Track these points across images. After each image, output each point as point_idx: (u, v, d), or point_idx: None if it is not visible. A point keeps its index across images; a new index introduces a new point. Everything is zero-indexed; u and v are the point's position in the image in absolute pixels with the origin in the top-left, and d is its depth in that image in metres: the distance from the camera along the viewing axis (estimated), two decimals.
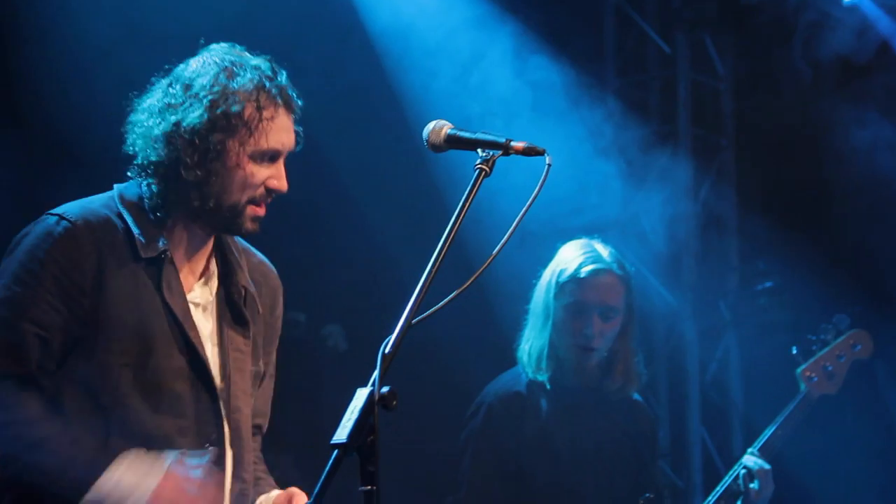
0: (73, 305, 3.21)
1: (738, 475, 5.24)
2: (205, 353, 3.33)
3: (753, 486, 5.19)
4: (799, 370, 5.45)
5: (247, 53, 3.38)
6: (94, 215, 3.29)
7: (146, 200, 3.33)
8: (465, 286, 2.98)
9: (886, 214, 7.02)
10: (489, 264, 2.95)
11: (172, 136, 3.26)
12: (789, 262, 7.30)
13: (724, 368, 7.75)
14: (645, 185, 7.66)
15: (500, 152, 3.04)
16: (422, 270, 2.83)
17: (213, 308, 3.42)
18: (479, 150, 3.00)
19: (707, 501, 5.29)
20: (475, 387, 5.32)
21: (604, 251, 5.10)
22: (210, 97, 3.26)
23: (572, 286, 5.02)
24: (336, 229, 6.98)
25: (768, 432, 5.33)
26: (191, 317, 3.34)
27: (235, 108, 3.25)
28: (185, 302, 3.34)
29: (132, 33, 6.08)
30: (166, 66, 3.39)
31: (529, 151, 3.05)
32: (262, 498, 3.49)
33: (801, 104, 7.30)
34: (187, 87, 3.30)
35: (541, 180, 2.95)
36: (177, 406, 3.28)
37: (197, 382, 3.32)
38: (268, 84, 3.31)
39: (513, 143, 3.05)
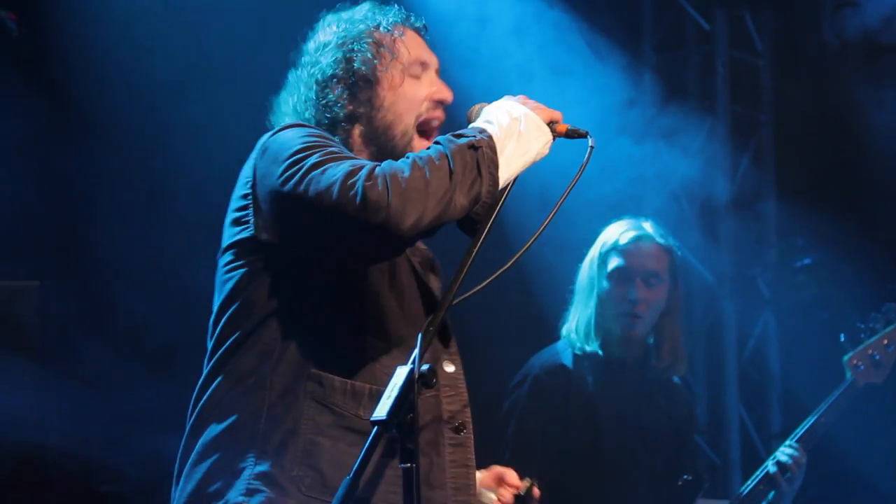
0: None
1: (776, 462, 5.24)
2: (429, 282, 3.25)
3: (786, 477, 5.19)
4: (846, 358, 5.41)
5: (354, 10, 3.41)
6: None
7: None
8: (506, 266, 3.00)
9: None
10: (531, 245, 2.97)
11: (326, 95, 3.27)
12: (827, 239, 7.26)
13: (763, 345, 7.73)
14: (683, 161, 7.64)
15: (552, 136, 3.06)
16: (462, 253, 2.85)
17: (422, 266, 3.31)
18: None
19: (745, 486, 5.29)
20: (513, 365, 5.34)
21: (646, 224, 5.18)
22: (341, 44, 3.29)
23: (615, 255, 5.10)
24: None
25: (811, 420, 5.31)
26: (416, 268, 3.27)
27: (366, 37, 3.28)
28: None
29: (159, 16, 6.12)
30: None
31: (573, 134, 3.07)
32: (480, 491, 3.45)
33: (839, 81, 7.25)
34: (317, 51, 3.34)
35: (584, 161, 2.96)
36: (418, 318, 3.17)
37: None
38: (380, 14, 3.35)
39: (557, 126, 3.07)
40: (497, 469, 3.43)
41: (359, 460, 2.63)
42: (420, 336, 2.70)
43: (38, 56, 6.13)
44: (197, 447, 3.06)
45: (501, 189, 2.96)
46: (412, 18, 3.40)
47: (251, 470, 2.98)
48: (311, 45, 3.37)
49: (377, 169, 2.84)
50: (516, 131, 3.01)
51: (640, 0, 7.82)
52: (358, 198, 2.77)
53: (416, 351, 2.67)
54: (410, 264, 3.19)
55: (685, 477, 5.02)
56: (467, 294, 2.84)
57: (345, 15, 3.38)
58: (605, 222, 5.35)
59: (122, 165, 6.26)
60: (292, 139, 3.02)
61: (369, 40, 3.28)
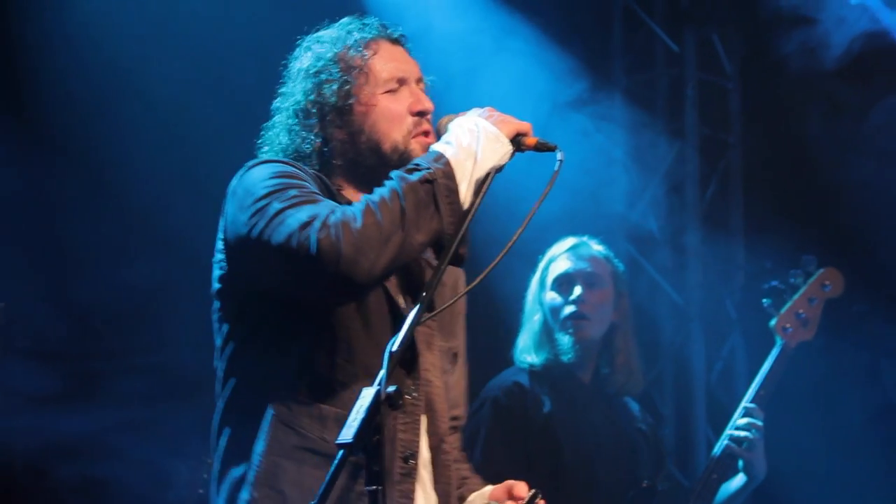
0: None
1: (727, 445, 5.18)
2: (399, 303, 3.21)
3: (739, 465, 5.15)
4: (772, 323, 5.31)
5: (328, 29, 3.41)
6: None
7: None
8: (473, 284, 2.99)
9: (892, 214, 7.00)
10: (498, 262, 2.95)
11: (304, 125, 3.29)
12: (795, 262, 7.27)
13: (730, 368, 7.73)
14: (652, 183, 7.66)
15: (513, 148, 3.04)
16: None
17: (395, 281, 3.28)
18: None
19: (698, 479, 5.25)
20: (480, 383, 5.31)
21: (589, 241, 5.22)
22: (312, 73, 3.30)
23: (557, 263, 5.15)
24: None
25: (751, 394, 5.24)
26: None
27: (334, 64, 3.28)
28: None
29: (135, 33, 6.09)
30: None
31: (541, 147, 3.05)
32: (474, 495, 3.42)
33: (808, 104, 7.28)
34: (293, 79, 3.35)
35: (552, 176, 2.94)
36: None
37: (394, 323, 3.15)
38: (355, 31, 3.33)
39: (525, 139, 3.05)
40: (509, 482, 3.38)
41: (324, 483, 2.61)
42: (386, 356, 2.67)
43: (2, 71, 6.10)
44: None
45: (468, 209, 2.95)
46: (388, 30, 3.38)
47: (225, 493, 3.09)
48: (289, 73, 3.39)
49: (331, 217, 2.87)
50: (474, 151, 3.01)
51: (610, 22, 7.84)
52: (311, 249, 2.83)
53: (383, 372, 2.64)
54: (382, 286, 3.17)
55: (645, 483, 5.02)
56: (435, 312, 2.82)
57: (317, 39, 3.38)
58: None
59: (90, 185, 6.21)
60: (256, 184, 3.06)
61: (340, 64, 3.28)
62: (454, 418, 3.47)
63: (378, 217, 2.88)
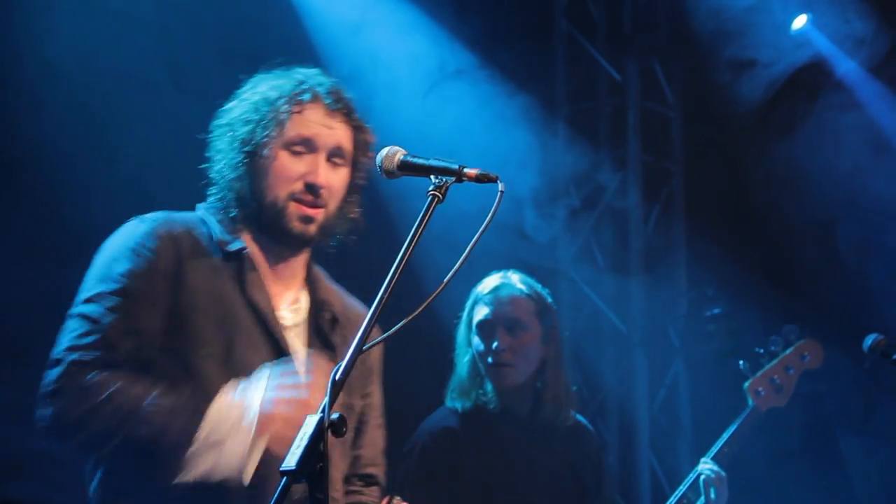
0: (158, 300, 3.26)
1: (695, 483, 5.20)
2: (287, 346, 3.33)
3: (711, 494, 5.16)
4: (746, 384, 5.36)
5: (298, 71, 3.50)
6: (176, 216, 3.42)
7: (221, 210, 3.44)
8: (416, 313, 2.97)
9: (836, 241, 7.09)
10: (440, 291, 2.95)
11: (219, 167, 3.43)
12: (738, 289, 7.34)
13: (673, 395, 7.78)
14: (594, 211, 7.71)
15: (454, 179, 3.04)
16: (374, 297, 2.82)
17: (302, 332, 3.43)
18: (432, 177, 2.99)
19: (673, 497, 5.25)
20: (425, 414, 5.30)
21: (514, 276, 5.16)
22: (241, 116, 3.42)
23: (480, 308, 5.08)
24: None
25: (715, 449, 5.28)
26: (274, 313, 3.37)
27: (265, 107, 3.38)
28: (269, 300, 3.39)
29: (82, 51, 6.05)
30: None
31: (482, 178, 3.05)
32: None
33: (748, 131, 7.36)
34: (227, 115, 3.46)
35: (494, 207, 2.95)
36: None
37: None
38: (301, 85, 3.42)
39: (466, 170, 3.06)
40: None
41: None
42: (329, 384, 2.67)
43: None
44: None
45: None
46: (329, 95, 3.46)
47: None
48: (227, 109, 3.48)
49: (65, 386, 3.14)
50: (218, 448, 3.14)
51: (553, 51, 7.90)
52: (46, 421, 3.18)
53: (326, 399, 2.63)
54: (263, 321, 3.32)
55: None
56: (376, 341, 2.82)
57: (260, 81, 3.48)
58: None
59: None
60: (92, 283, 3.30)
61: (267, 113, 3.38)
62: (369, 476, 3.61)
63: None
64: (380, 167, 3.12)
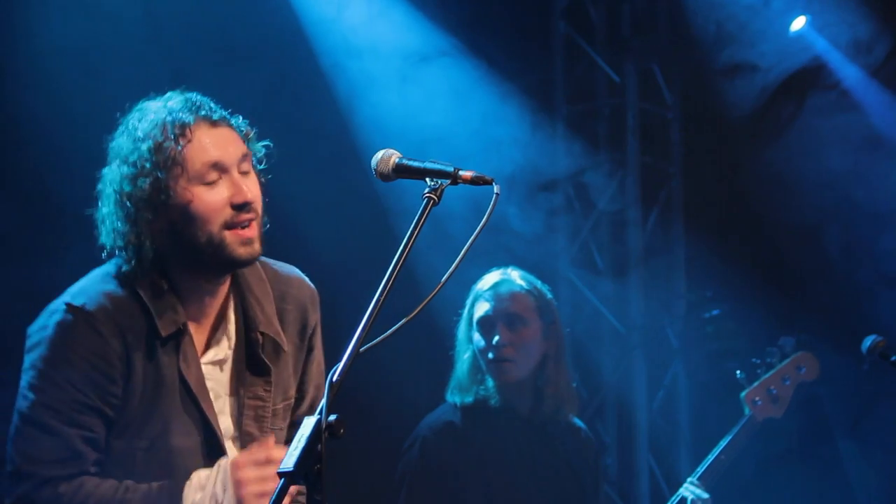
0: (106, 396, 3.19)
1: (680, 500, 5.23)
2: (219, 427, 3.30)
3: None
4: (743, 394, 5.43)
5: (152, 104, 3.29)
6: (110, 298, 3.23)
7: (146, 274, 3.26)
8: (412, 314, 2.98)
9: (834, 244, 7.09)
10: (437, 292, 2.96)
11: (121, 214, 3.22)
12: (736, 290, 7.35)
13: (672, 396, 7.78)
14: (594, 212, 7.71)
15: (449, 181, 3.04)
16: (370, 298, 2.82)
17: (230, 359, 3.37)
18: (427, 180, 3.00)
19: None
20: (424, 412, 5.31)
21: (514, 273, 5.19)
22: (130, 162, 3.21)
23: (480, 304, 5.10)
24: (283, 259, 6.95)
25: (711, 457, 5.32)
26: (205, 388, 3.30)
27: (148, 154, 3.18)
28: (200, 371, 3.30)
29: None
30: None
31: (478, 181, 3.06)
32: None
33: (747, 133, 7.37)
34: (112, 162, 3.27)
35: (489, 209, 2.96)
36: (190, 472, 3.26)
37: (210, 456, 3.29)
38: (169, 115, 3.22)
39: (461, 173, 3.06)
40: None
41: None
42: (327, 386, 2.67)
43: None
44: None
45: None
46: (206, 111, 3.27)
47: None
48: (110, 152, 3.29)
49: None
50: None
51: (552, 52, 7.89)
52: None
53: (324, 401, 2.64)
54: (195, 402, 3.27)
55: None
56: (373, 343, 2.82)
57: (138, 118, 3.26)
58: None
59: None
60: (23, 384, 3.21)
61: (155, 156, 3.18)
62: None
63: None
64: (375, 170, 3.12)
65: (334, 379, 2.68)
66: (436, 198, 3.00)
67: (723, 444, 5.34)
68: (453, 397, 5.11)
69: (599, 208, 7.71)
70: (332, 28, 6.75)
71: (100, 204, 3.29)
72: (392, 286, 2.85)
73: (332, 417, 2.62)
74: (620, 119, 7.81)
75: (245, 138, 3.35)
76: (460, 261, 2.91)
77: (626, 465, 7.58)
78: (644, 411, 7.61)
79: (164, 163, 3.19)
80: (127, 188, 3.21)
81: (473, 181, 3.06)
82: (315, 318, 3.57)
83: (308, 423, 2.61)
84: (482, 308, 5.10)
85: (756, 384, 5.44)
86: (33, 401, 3.17)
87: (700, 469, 5.30)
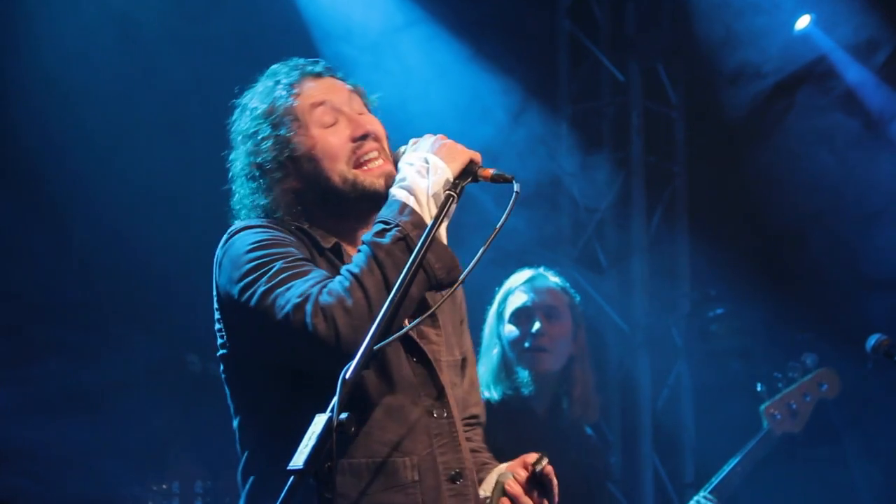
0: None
1: None
2: (422, 346, 3.20)
3: None
4: (763, 407, 5.41)
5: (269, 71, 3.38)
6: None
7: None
8: (427, 313, 2.99)
9: (837, 240, 7.09)
10: (453, 292, 2.98)
11: (260, 183, 3.27)
12: (740, 289, 7.34)
13: (676, 395, 7.78)
14: (598, 211, 7.70)
15: (469, 178, 3.06)
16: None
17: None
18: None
19: None
20: None
21: (545, 271, 5.20)
22: (249, 134, 3.28)
23: (516, 296, 5.11)
24: None
25: (727, 468, 5.31)
26: None
27: (263, 119, 3.26)
28: None
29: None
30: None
31: (498, 178, 3.07)
32: (493, 472, 3.42)
33: (751, 132, 7.36)
34: (234, 144, 3.34)
35: (509, 207, 2.96)
36: (404, 379, 3.15)
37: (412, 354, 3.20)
38: (274, 81, 3.31)
39: (481, 171, 3.07)
40: (522, 456, 3.40)
41: None
42: (339, 383, 2.67)
43: None
44: None
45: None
46: (308, 67, 3.35)
47: None
48: (231, 139, 3.37)
49: (322, 297, 2.88)
50: (429, 191, 3.04)
51: (557, 52, 7.89)
52: (313, 336, 2.86)
53: (336, 398, 2.63)
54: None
55: None
56: (390, 338, 2.82)
57: (249, 97, 3.36)
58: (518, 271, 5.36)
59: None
60: (240, 257, 3.06)
61: (270, 118, 3.27)
62: (473, 416, 3.52)
63: (365, 291, 2.89)
64: (396, 164, 3.15)
65: (346, 376, 2.68)
66: (456, 195, 3.01)
67: (738, 456, 5.33)
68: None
69: (604, 207, 7.70)
70: (334, 29, 6.76)
71: (234, 190, 3.35)
72: (408, 284, 2.86)
73: (344, 416, 2.61)
74: (625, 118, 7.81)
75: (358, 91, 3.39)
76: (478, 259, 2.92)
77: (630, 463, 7.58)
78: (648, 410, 7.61)
79: (280, 121, 3.25)
80: (253, 158, 3.27)
81: (494, 178, 3.08)
82: (461, 298, 3.53)
83: (319, 421, 2.60)
84: (518, 299, 5.10)
85: (776, 398, 5.43)
86: (240, 275, 3.04)
87: (714, 481, 5.29)
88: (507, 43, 7.18)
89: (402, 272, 2.89)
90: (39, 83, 6.07)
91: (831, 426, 7.32)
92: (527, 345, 5.04)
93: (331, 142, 3.23)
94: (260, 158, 3.26)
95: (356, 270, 2.94)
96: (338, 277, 2.95)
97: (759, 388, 5.46)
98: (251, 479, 3.16)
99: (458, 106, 6.74)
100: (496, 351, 5.11)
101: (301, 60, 3.37)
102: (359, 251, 3.00)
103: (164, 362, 6.38)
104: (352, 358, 2.75)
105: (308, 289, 2.92)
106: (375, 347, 2.75)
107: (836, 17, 6.95)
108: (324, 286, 2.92)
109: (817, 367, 5.55)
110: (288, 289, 2.94)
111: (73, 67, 6.06)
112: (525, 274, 5.20)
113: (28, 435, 5.97)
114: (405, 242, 2.96)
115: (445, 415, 3.19)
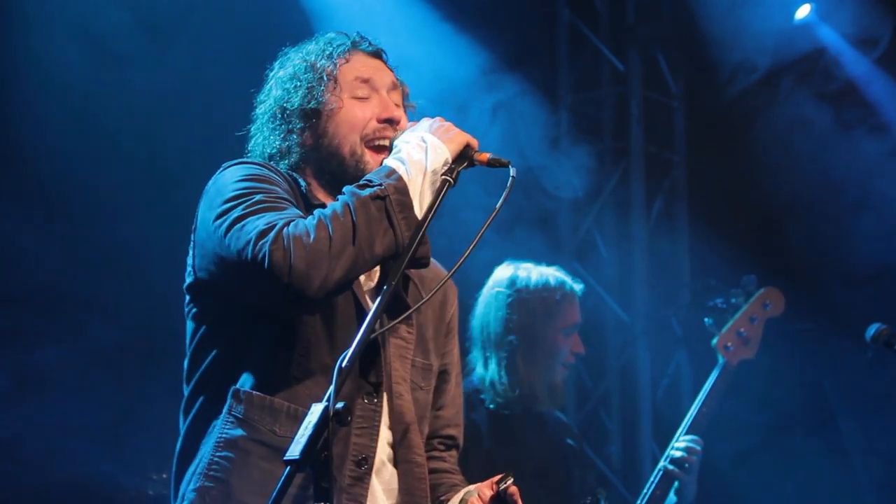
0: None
1: (665, 478, 5.23)
2: (367, 304, 3.19)
3: (685, 468, 5.19)
4: (714, 341, 5.40)
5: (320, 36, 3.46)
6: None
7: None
8: (423, 301, 2.99)
9: (837, 230, 7.08)
10: (450, 277, 2.97)
11: (277, 128, 3.34)
12: (740, 279, 7.33)
13: (676, 384, 7.78)
14: (598, 201, 7.70)
15: (465, 163, 3.06)
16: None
17: (371, 294, 3.26)
18: None
19: (643, 494, 5.28)
20: None
21: (561, 274, 5.23)
22: (286, 79, 3.36)
23: (565, 308, 5.11)
24: None
25: (693, 411, 5.30)
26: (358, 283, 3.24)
27: (304, 70, 3.33)
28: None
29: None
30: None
31: (494, 163, 3.08)
32: (462, 492, 3.37)
33: (751, 121, 7.35)
34: (268, 87, 3.41)
35: (505, 192, 2.96)
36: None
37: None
38: (333, 43, 3.38)
39: (477, 155, 3.07)
40: (492, 478, 3.39)
41: (272, 499, 2.58)
42: (335, 372, 2.66)
43: None
44: None
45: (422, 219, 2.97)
46: (365, 42, 3.43)
47: (177, 488, 3.15)
48: (266, 81, 3.44)
49: (287, 229, 2.90)
50: (424, 166, 3.05)
51: (557, 41, 7.88)
52: (265, 262, 2.87)
53: (332, 388, 2.62)
54: (351, 289, 3.16)
55: (588, 500, 5.02)
56: (387, 326, 2.82)
57: (296, 49, 3.45)
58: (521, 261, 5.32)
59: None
60: (226, 186, 3.11)
61: (311, 72, 3.34)
62: (449, 437, 3.51)
63: (330, 232, 2.91)
64: (394, 146, 3.15)
65: (343, 365, 2.67)
66: (452, 180, 3.02)
67: (702, 396, 5.32)
68: (486, 393, 5.08)
69: (603, 197, 7.70)
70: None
71: (251, 133, 3.42)
72: (405, 271, 2.86)
73: (340, 405, 2.60)
74: (624, 107, 7.80)
75: (400, 84, 3.44)
76: (474, 244, 2.91)
77: (629, 452, 7.59)
78: (648, 399, 7.62)
79: (320, 76, 3.33)
80: (281, 100, 3.34)
81: (490, 163, 3.08)
82: (453, 306, 3.55)
83: (315, 411, 2.60)
84: (572, 315, 5.14)
85: (725, 329, 5.42)
86: (222, 200, 3.07)
87: (685, 424, 5.27)
88: (506, 31, 7.16)
89: (373, 230, 2.90)
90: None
91: (830, 415, 7.32)
92: (567, 362, 5.10)
93: (356, 112, 3.30)
94: (287, 103, 3.32)
95: (328, 212, 2.97)
96: (310, 217, 2.97)
97: (707, 323, 5.44)
98: (191, 413, 3.19)
99: (455, 97, 6.72)
100: (542, 354, 5.08)
101: (361, 35, 3.45)
102: (336, 199, 3.03)
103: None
104: (300, 298, 2.84)
105: (276, 219, 2.94)
106: (372, 336, 2.76)
107: (836, 6, 6.93)
108: (293, 220, 2.95)
109: (758, 289, 5.53)
110: (259, 217, 2.96)
111: (65, 61, 6.06)
112: (569, 283, 5.17)
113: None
114: (383, 202, 2.98)
115: (376, 402, 3.18)
